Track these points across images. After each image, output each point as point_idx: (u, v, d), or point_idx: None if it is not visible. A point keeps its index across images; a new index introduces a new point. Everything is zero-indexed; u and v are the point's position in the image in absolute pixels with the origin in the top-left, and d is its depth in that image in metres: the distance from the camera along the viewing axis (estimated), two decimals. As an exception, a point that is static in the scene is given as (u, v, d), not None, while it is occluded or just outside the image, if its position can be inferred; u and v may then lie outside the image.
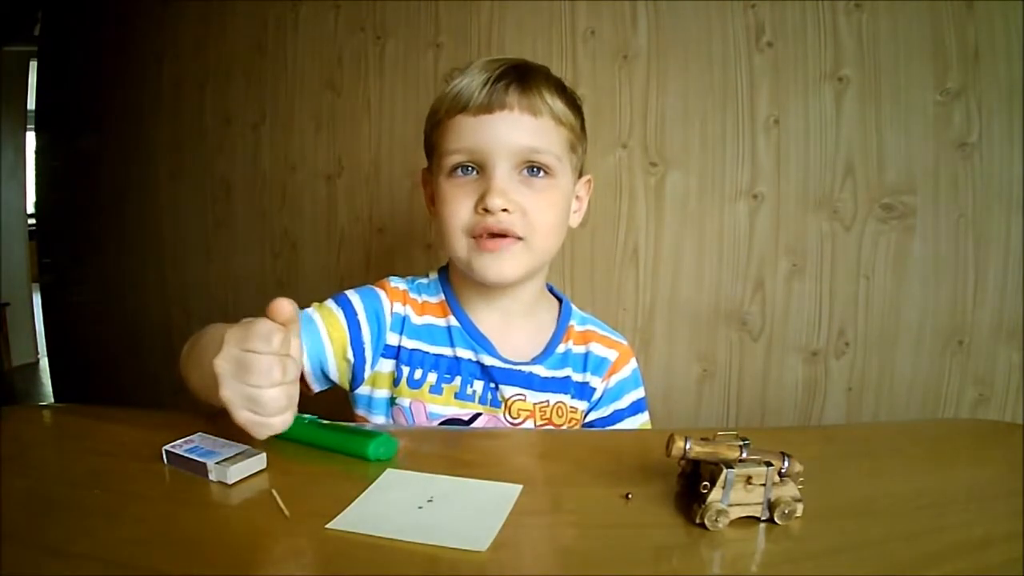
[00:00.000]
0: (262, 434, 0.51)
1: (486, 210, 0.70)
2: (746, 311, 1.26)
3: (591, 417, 0.82)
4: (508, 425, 0.76)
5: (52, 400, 2.41)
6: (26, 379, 3.38)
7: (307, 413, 0.62)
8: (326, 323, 0.74)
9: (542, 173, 0.72)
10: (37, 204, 2.17)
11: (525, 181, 0.72)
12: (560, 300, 0.85)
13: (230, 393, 0.49)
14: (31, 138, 2.75)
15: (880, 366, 1.21)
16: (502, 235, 0.71)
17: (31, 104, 3.28)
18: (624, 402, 0.83)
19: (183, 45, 1.63)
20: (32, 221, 3.01)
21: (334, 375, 0.76)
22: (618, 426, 0.83)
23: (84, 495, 0.50)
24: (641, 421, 0.85)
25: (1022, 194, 1.12)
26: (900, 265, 1.18)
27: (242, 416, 0.50)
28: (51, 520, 0.46)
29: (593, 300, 1.31)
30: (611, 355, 0.82)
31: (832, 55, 1.18)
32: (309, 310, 0.76)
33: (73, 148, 1.87)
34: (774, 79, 1.21)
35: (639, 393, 0.85)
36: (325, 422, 0.63)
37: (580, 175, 0.81)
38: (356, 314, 0.76)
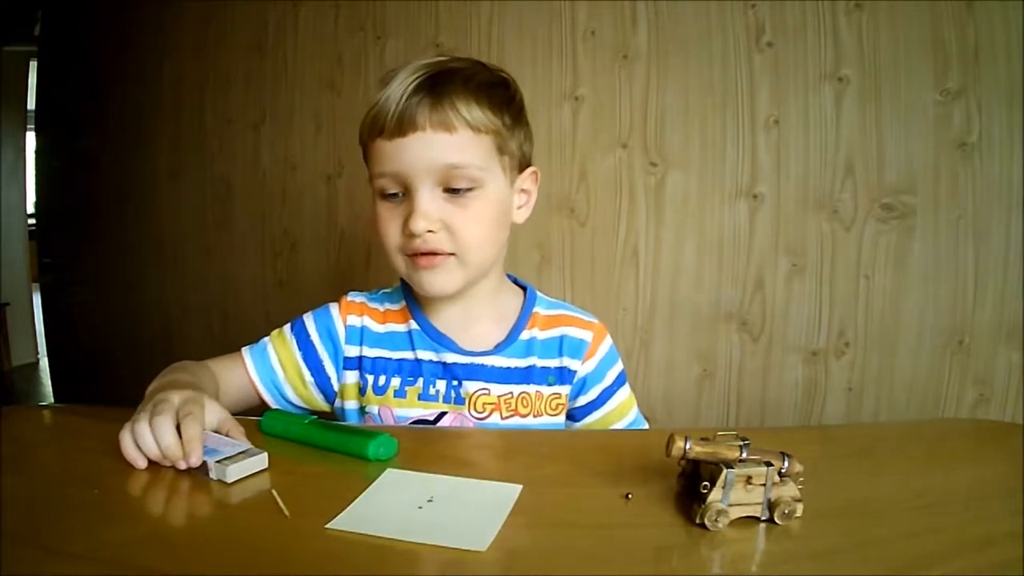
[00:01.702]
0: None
1: (412, 233, 0.70)
2: (746, 311, 1.26)
3: (579, 402, 0.83)
4: (473, 420, 0.77)
5: (52, 400, 2.41)
6: (26, 379, 3.38)
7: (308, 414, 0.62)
8: (278, 351, 0.79)
9: (467, 187, 0.71)
10: (37, 204, 2.18)
11: (450, 198, 0.71)
12: (524, 289, 0.85)
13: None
14: (31, 138, 2.75)
15: (880, 366, 1.21)
16: (432, 253, 0.71)
17: (31, 104, 3.28)
18: (608, 380, 0.83)
19: (183, 45, 1.63)
20: (32, 221, 3.01)
21: (295, 399, 0.79)
22: (609, 402, 0.83)
23: (84, 495, 0.50)
24: (628, 393, 0.86)
25: (1022, 194, 1.12)
26: (900, 265, 1.18)
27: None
28: (51, 520, 0.46)
29: (593, 300, 1.31)
30: (587, 336, 0.82)
31: (832, 55, 1.18)
32: (266, 339, 0.81)
33: (73, 148, 1.87)
34: (774, 79, 1.21)
35: (619, 367, 0.85)
36: (325, 422, 0.63)
37: (523, 168, 0.78)
38: (309, 336, 0.79)
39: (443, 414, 0.77)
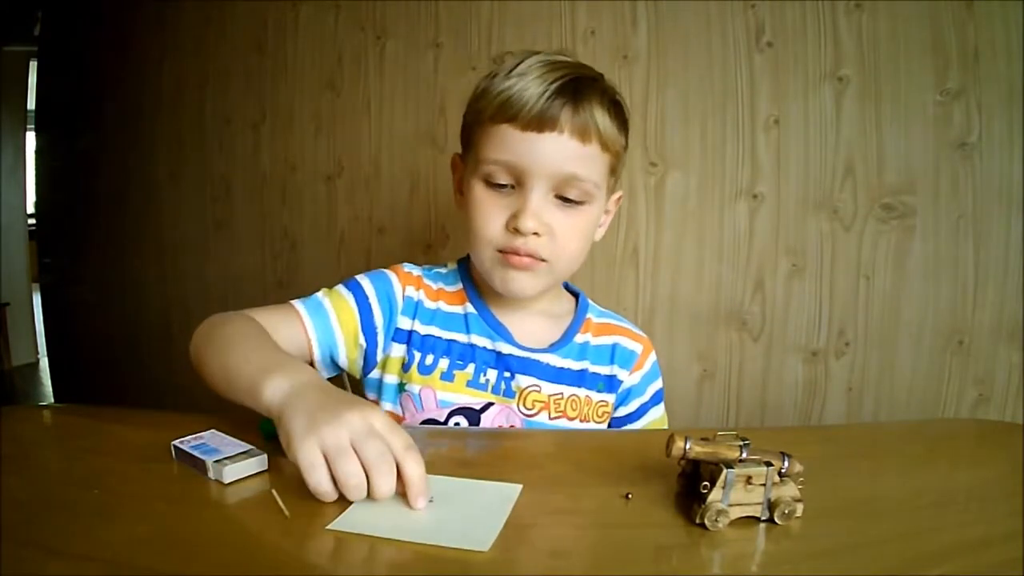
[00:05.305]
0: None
1: (517, 229, 0.69)
2: (746, 311, 1.26)
3: (619, 413, 0.83)
4: (521, 416, 0.75)
5: (52, 400, 2.41)
6: (26, 379, 3.38)
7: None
8: (336, 309, 0.74)
9: (578, 200, 0.70)
10: (37, 204, 2.18)
11: (560, 205, 0.70)
12: (576, 295, 0.86)
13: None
14: (31, 138, 2.74)
15: (880, 366, 1.20)
16: (528, 255, 0.70)
17: (31, 104, 3.28)
18: (647, 395, 0.84)
19: (183, 45, 1.63)
20: (32, 221, 3.01)
21: (343, 362, 0.76)
22: (645, 417, 0.84)
23: (84, 495, 0.50)
24: (661, 412, 0.86)
25: (1022, 194, 1.12)
26: (900, 265, 1.18)
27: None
28: (51, 520, 0.46)
29: (593, 300, 1.31)
30: (637, 348, 0.83)
31: (832, 55, 1.18)
32: (319, 295, 0.76)
33: (73, 148, 1.87)
34: (774, 79, 1.21)
35: (659, 383, 0.86)
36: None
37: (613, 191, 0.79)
38: (367, 298, 0.76)
39: (490, 404, 0.75)
